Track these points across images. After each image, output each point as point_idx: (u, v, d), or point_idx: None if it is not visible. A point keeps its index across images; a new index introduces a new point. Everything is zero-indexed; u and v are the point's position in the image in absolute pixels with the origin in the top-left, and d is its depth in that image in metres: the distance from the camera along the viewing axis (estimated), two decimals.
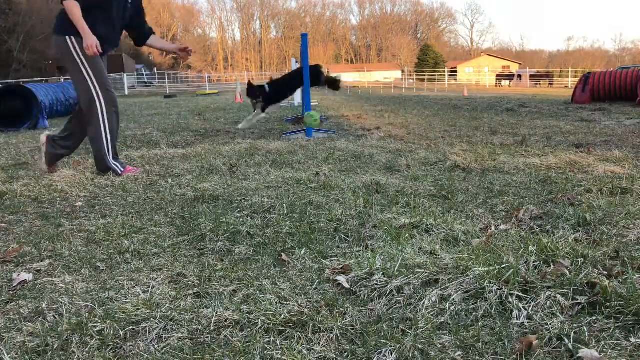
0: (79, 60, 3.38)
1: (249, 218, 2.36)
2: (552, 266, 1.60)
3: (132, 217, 2.44)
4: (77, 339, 1.30)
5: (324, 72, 6.27)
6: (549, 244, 1.75)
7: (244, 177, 3.37)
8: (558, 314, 1.35)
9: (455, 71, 54.53)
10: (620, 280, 1.48)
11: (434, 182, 3.02)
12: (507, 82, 39.02)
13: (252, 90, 5.83)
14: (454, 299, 1.44)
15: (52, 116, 8.97)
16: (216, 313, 1.40)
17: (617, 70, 11.82)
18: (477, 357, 1.19)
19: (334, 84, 6.27)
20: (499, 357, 1.18)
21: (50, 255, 1.94)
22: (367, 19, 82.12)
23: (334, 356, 1.21)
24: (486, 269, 1.54)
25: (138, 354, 1.25)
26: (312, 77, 5.72)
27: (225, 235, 2.10)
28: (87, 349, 1.26)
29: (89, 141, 3.63)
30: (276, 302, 1.45)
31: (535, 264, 1.63)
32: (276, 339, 1.28)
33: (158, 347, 1.28)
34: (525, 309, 1.36)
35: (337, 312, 1.40)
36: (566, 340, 1.21)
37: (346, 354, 1.22)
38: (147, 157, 4.33)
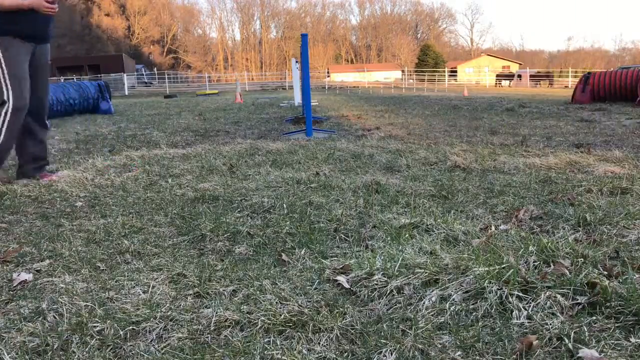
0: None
1: (249, 218, 2.36)
2: (552, 266, 1.60)
3: (132, 217, 2.44)
4: (77, 339, 1.30)
5: None
6: (549, 244, 1.74)
7: (244, 177, 3.37)
8: (558, 314, 1.35)
9: (455, 71, 54.48)
10: (620, 280, 1.48)
11: (434, 182, 3.02)
12: (507, 82, 39.02)
13: None
14: (454, 299, 1.44)
15: (52, 116, 8.97)
16: (216, 313, 1.40)
17: (617, 70, 11.82)
18: (477, 357, 1.19)
19: None
20: (499, 357, 1.18)
21: (50, 255, 1.94)
22: (367, 19, 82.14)
23: (334, 356, 1.21)
24: (486, 269, 1.54)
25: (138, 354, 1.25)
26: None
27: (225, 235, 2.10)
28: (87, 349, 1.26)
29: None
30: (276, 302, 1.45)
31: (535, 264, 1.63)
32: (276, 339, 1.28)
33: (158, 347, 1.28)
34: (525, 309, 1.36)
35: (337, 312, 1.40)
36: (566, 340, 1.21)
37: (346, 354, 1.22)
38: (147, 157, 4.33)
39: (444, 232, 2.02)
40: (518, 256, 1.67)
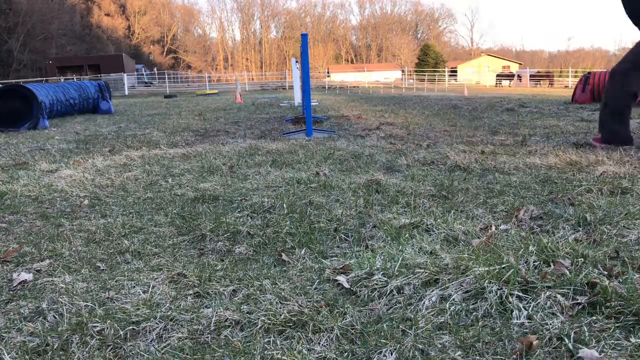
0: None
1: (249, 218, 2.36)
2: (552, 266, 1.60)
3: (132, 217, 2.44)
4: (77, 339, 1.30)
5: None
6: (549, 244, 1.74)
7: (244, 177, 3.37)
8: (558, 314, 1.35)
9: (456, 71, 54.46)
10: (620, 280, 1.48)
11: (434, 182, 3.02)
12: (507, 82, 39.03)
13: None
14: (454, 299, 1.44)
15: (52, 116, 8.97)
16: (216, 313, 1.40)
17: None
18: (477, 357, 1.19)
19: None
20: (499, 357, 1.18)
21: (50, 255, 1.94)
22: (367, 19, 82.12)
23: (334, 356, 1.21)
24: (486, 269, 1.53)
25: (138, 354, 1.25)
26: None
27: (225, 235, 2.10)
28: (87, 349, 1.26)
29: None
30: (276, 302, 1.45)
31: (535, 264, 1.63)
32: (276, 339, 1.28)
33: (158, 347, 1.28)
34: (525, 309, 1.36)
35: (337, 312, 1.40)
36: (566, 340, 1.21)
37: (346, 354, 1.22)
38: (147, 157, 4.33)
39: (444, 232, 2.02)
40: (518, 256, 1.67)
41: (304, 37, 6.08)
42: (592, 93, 10.81)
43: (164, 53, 72.48)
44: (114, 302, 1.51)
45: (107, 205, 2.70)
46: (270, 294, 1.52)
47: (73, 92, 10.15)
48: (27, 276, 1.72)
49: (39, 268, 1.81)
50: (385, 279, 1.57)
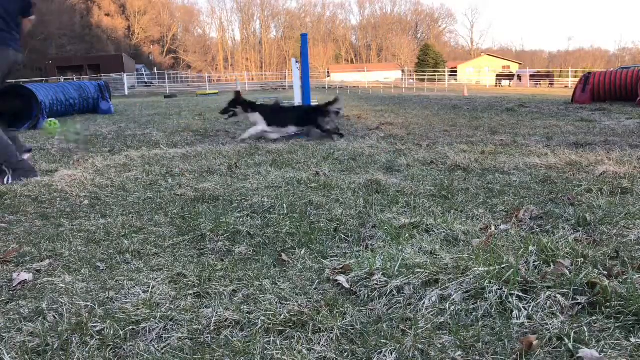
0: None
1: (249, 218, 2.36)
2: (552, 266, 1.60)
3: (132, 217, 2.44)
4: (77, 339, 1.30)
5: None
6: (549, 244, 1.74)
7: (244, 177, 3.37)
8: (558, 314, 1.35)
9: (456, 71, 54.47)
10: (620, 280, 1.48)
11: (434, 182, 3.02)
12: (507, 82, 39.04)
13: None
14: (454, 299, 1.44)
15: (52, 116, 8.97)
16: (216, 313, 1.40)
17: (617, 70, 11.81)
18: (477, 357, 1.19)
19: None
20: (499, 357, 1.18)
21: (50, 255, 1.94)
22: (367, 19, 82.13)
23: (334, 356, 1.21)
24: (486, 269, 1.53)
25: (138, 354, 1.25)
26: None
27: (225, 235, 2.10)
28: (87, 349, 1.26)
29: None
30: (276, 302, 1.45)
31: (535, 264, 1.63)
32: (276, 339, 1.28)
33: (158, 347, 1.28)
34: (525, 309, 1.36)
35: (337, 312, 1.40)
36: (566, 340, 1.21)
37: (346, 354, 1.22)
38: (147, 157, 4.33)
39: (444, 232, 2.02)
40: (518, 256, 1.67)
41: (304, 37, 6.09)
42: (592, 93, 10.82)
43: (164, 53, 72.46)
44: (114, 302, 1.51)
45: (107, 205, 2.70)
46: (270, 294, 1.52)
47: (73, 92, 10.14)
48: (27, 276, 1.72)
49: (39, 268, 1.81)
50: (385, 279, 1.57)
